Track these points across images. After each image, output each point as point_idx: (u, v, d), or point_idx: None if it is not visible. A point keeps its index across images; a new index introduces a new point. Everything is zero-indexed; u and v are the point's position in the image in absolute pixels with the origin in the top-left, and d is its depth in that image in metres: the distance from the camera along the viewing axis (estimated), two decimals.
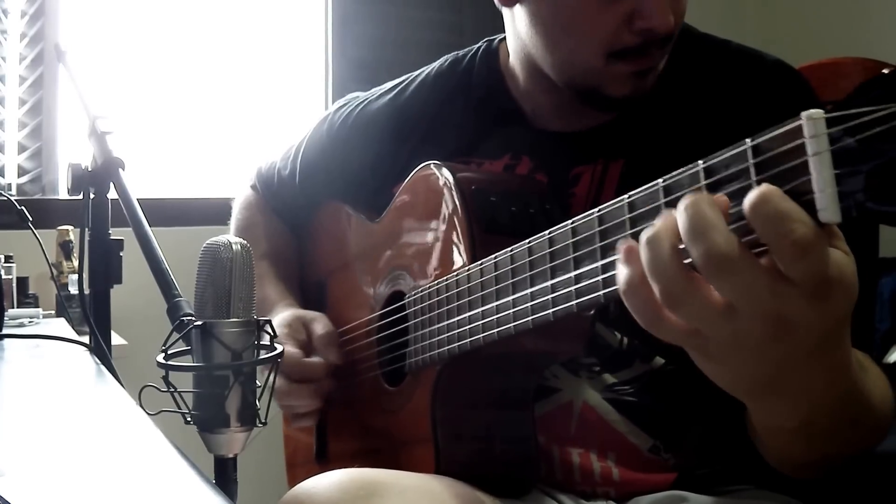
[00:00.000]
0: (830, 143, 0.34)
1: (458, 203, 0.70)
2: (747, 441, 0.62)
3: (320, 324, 0.85)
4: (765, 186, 0.36)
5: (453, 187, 0.71)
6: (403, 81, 0.90)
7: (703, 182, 0.40)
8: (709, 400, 0.69)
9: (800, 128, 0.35)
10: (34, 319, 1.15)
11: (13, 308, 1.34)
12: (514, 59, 0.81)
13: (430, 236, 0.75)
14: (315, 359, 0.83)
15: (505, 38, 0.84)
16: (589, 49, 0.69)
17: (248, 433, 0.55)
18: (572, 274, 0.51)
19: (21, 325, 1.10)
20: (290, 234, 1.04)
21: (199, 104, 2.01)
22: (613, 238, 0.46)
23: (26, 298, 1.48)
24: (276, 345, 0.57)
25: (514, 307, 0.58)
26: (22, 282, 1.49)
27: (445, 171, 0.73)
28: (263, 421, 0.56)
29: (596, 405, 0.72)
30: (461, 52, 0.88)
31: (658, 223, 0.40)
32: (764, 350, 0.40)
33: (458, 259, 0.69)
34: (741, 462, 0.71)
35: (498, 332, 0.61)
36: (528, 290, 0.56)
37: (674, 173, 0.42)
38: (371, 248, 0.87)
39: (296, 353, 0.82)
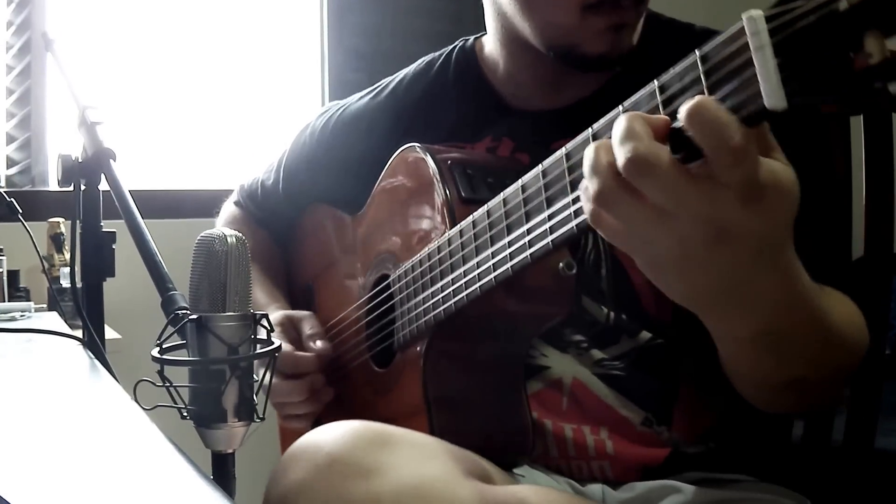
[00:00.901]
0: (771, 37, 0.37)
1: (435, 177, 0.71)
2: (737, 416, 0.62)
3: (308, 322, 0.87)
4: (701, 97, 0.39)
5: (429, 163, 0.72)
6: (380, 84, 0.94)
7: (659, 98, 0.42)
8: (695, 373, 0.71)
9: (741, 28, 0.38)
10: (26, 313, 1.14)
11: (4, 302, 1.33)
12: (494, 41, 0.83)
13: (409, 215, 0.76)
14: (307, 353, 0.84)
15: (479, 37, 0.88)
16: (564, 4, 0.70)
17: (245, 428, 0.54)
18: (546, 213, 0.52)
19: (13, 319, 1.09)
20: (275, 245, 1.06)
21: (193, 94, 1.99)
22: (581, 170, 0.48)
23: (17, 292, 1.47)
24: (272, 339, 0.56)
25: (493, 258, 0.59)
26: (13, 275, 1.47)
27: (421, 151, 0.75)
28: (261, 416, 0.56)
29: (586, 381, 0.73)
30: (436, 54, 0.91)
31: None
32: (708, 255, 0.42)
33: (438, 230, 0.70)
34: (734, 440, 0.71)
35: (480, 286, 0.61)
36: (506, 239, 0.57)
37: (632, 97, 0.45)
38: (355, 241, 0.88)
39: (287, 347, 0.84)
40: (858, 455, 0.82)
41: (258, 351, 0.55)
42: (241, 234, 0.56)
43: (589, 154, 0.44)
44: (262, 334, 0.55)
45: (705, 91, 0.40)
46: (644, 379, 0.72)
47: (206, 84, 2.01)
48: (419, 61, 0.91)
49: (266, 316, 0.56)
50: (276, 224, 1.05)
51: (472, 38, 0.89)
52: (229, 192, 1.15)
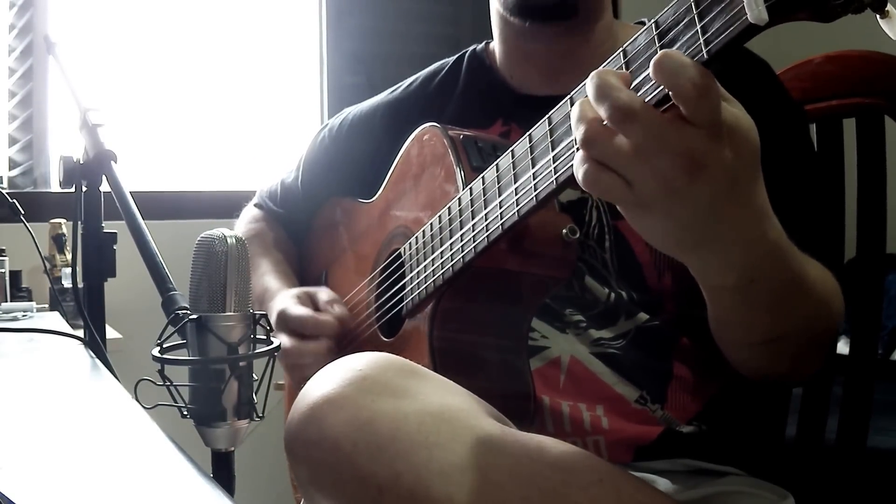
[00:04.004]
0: None
1: (448, 149, 0.74)
2: (730, 399, 0.64)
3: (325, 292, 0.89)
4: (664, 50, 0.44)
5: (443, 137, 0.75)
6: (395, 86, 0.98)
7: (655, 33, 0.46)
8: (689, 353, 0.73)
9: None
10: (28, 313, 1.15)
11: (6, 302, 1.34)
12: (495, 33, 0.87)
13: (422, 189, 0.78)
14: (328, 317, 0.85)
15: (489, 42, 0.92)
16: None
17: (245, 427, 0.55)
18: (550, 156, 0.55)
19: (15, 319, 1.10)
20: (292, 245, 1.09)
21: (193, 96, 2.00)
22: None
23: (19, 292, 1.48)
24: (272, 338, 0.57)
25: (500, 208, 0.62)
26: (15, 275, 1.48)
27: (435, 128, 0.77)
28: (261, 415, 0.56)
29: (583, 359, 0.74)
30: (447, 59, 0.95)
31: None
32: (687, 187, 0.46)
33: (449, 198, 0.71)
34: (726, 424, 0.72)
35: (488, 236, 0.63)
36: (513, 187, 0.60)
37: (631, 38, 0.48)
38: (369, 225, 0.90)
39: (307, 311, 0.85)
40: (851, 453, 0.83)
41: (257, 350, 0.56)
42: (240, 235, 0.57)
43: (575, 109, 0.48)
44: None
45: (696, 17, 0.43)
46: (640, 358, 0.74)
47: (207, 87, 2.01)
48: (430, 67, 0.96)
49: (265, 315, 0.57)
50: (294, 220, 1.07)
51: (482, 43, 0.93)
52: (229, 193, 1.16)
